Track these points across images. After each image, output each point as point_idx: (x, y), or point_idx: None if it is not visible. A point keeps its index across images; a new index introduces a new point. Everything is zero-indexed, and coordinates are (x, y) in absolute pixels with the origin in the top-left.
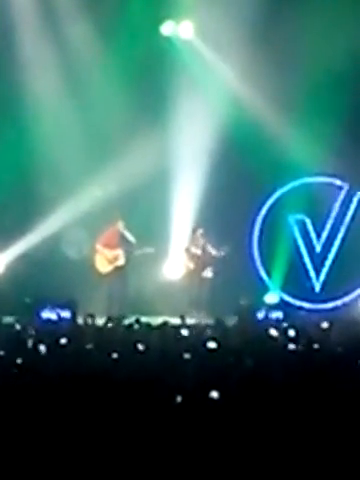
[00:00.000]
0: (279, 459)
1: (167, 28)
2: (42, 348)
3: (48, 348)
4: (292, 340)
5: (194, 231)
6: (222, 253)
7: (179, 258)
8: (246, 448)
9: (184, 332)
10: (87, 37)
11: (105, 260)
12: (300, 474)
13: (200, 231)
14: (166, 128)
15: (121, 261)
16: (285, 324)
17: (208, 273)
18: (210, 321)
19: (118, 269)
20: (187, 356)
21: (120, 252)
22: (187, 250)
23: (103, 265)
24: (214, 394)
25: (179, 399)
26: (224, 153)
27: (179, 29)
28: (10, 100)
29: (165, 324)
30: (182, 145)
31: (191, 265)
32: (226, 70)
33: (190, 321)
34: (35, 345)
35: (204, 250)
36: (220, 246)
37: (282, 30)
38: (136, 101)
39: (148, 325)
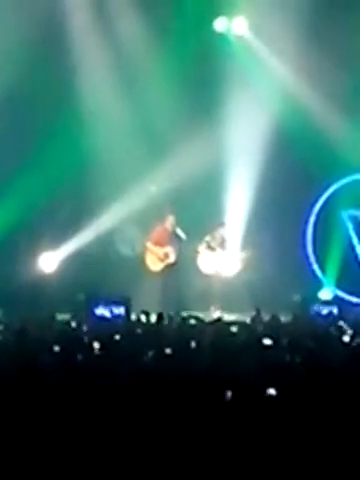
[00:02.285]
0: (337, 456)
1: (220, 24)
2: (96, 345)
3: (103, 345)
4: (347, 336)
5: (217, 228)
6: (243, 257)
7: (201, 249)
8: (303, 446)
9: (234, 329)
10: (140, 34)
11: (156, 258)
12: None
13: (222, 229)
14: (219, 124)
15: (172, 258)
16: (340, 320)
17: (222, 269)
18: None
19: (169, 266)
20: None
21: (171, 249)
22: (207, 243)
23: (154, 263)
24: (271, 391)
25: (229, 395)
26: (277, 148)
27: (232, 25)
28: (63, 99)
29: (217, 321)
30: (235, 141)
31: (209, 257)
32: (279, 65)
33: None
34: (90, 342)
35: (222, 249)
36: (243, 249)
37: (335, 25)
38: (189, 97)
39: (201, 321)
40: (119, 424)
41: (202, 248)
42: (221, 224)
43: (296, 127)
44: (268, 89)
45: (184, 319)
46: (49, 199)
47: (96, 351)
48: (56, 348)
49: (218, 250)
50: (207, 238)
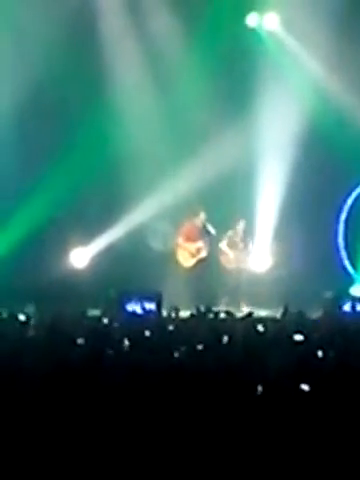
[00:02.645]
0: None
1: (252, 19)
2: (127, 342)
3: (134, 341)
4: None
5: (237, 221)
6: (275, 251)
7: (223, 244)
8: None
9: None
10: (172, 30)
11: (188, 254)
12: None
13: (242, 224)
14: (251, 120)
15: (204, 253)
16: None
17: (245, 264)
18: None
19: (201, 261)
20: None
21: (202, 244)
22: (229, 238)
23: (186, 259)
24: (305, 387)
25: (260, 389)
26: (309, 144)
27: (264, 20)
28: (94, 95)
29: (248, 316)
30: (267, 136)
31: (231, 254)
32: (311, 61)
33: (269, 312)
34: (121, 338)
35: (245, 243)
36: (275, 243)
37: None
38: (221, 93)
39: (233, 316)
40: (150, 419)
41: (224, 244)
42: (240, 219)
43: (328, 123)
44: (300, 85)
45: (216, 314)
46: (79, 195)
47: (126, 347)
48: (85, 342)
49: (240, 245)
50: (229, 233)
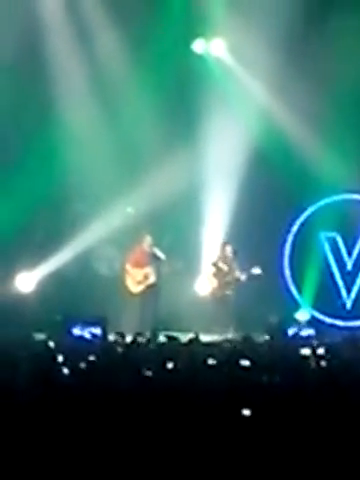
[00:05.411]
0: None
1: (198, 45)
2: (74, 365)
3: (79, 365)
4: (323, 358)
5: (223, 246)
6: (251, 275)
7: (205, 271)
8: (277, 466)
9: (212, 349)
10: (118, 54)
11: (135, 280)
12: None
13: (229, 247)
14: (197, 144)
15: (151, 279)
16: (316, 342)
17: (229, 290)
18: (236, 337)
19: (149, 287)
20: (216, 373)
21: (150, 270)
22: (214, 264)
23: (134, 285)
24: (246, 412)
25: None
26: (255, 170)
27: (210, 46)
28: (40, 118)
29: (192, 341)
30: (213, 161)
31: (215, 281)
32: (257, 87)
33: (215, 337)
34: (66, 362)
35: (230, 268)
36: (251, 266)
37: (312, 47)
38: (167, 117)
39: (176, 340)
40: (95, 441)
41: (210, 274)
42: (224, 244)
43: (274, 148)
44: (246, 110)
45: (160, 339)
46: (26, 219)
47: (73, 372)
48: (30, 366)
49: (225, 269)
50: (213, 261)
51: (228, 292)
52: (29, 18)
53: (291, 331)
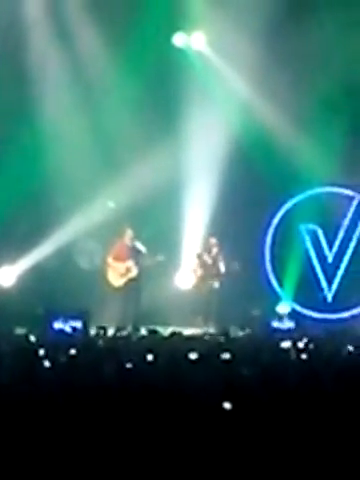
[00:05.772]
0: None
1: (179, 39)
2: (55, 358)
3: (60, 359)
4: (303, 350)
5: (208, 238)
6: (230, 270)
7: (188, 264)
8: (258, 459)
9: (193, 343)
10: (98, 48)
11: (117, 274)
12: None
13: (214, 240)
14: (178, 138)
15: (133, 272)
16: (297, 334)
17: (215, 284)
18: (216, 331)
19: (131, 280)
20: (197, 366)
21: (131, 263)
22: (198, 256)
23: (116, 279)
24: (227, 405)
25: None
26: (235, 163)
27: (191, 40)
28: (22, 112)
29: (174, 335)
30: (194, 155)
31: (199, 272)
32: (237, 80)
33: (196, 331)
34: (48, 355)
35: (215, 261)
36: (230, 261)
37: (293, 41)
38: (148, 111)
39: (157, 334)
40: (78, 437)
41: (194, 266)
42: (209, 237)
43: (254, 142)
44: (227, 104)
45: (142, 333)
46: (6, 213)
47: (54, 365)
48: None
49: (209, 262)
50: (198, 253)
51: (215, 285)
52: (9, 16)
53: (274, 324)
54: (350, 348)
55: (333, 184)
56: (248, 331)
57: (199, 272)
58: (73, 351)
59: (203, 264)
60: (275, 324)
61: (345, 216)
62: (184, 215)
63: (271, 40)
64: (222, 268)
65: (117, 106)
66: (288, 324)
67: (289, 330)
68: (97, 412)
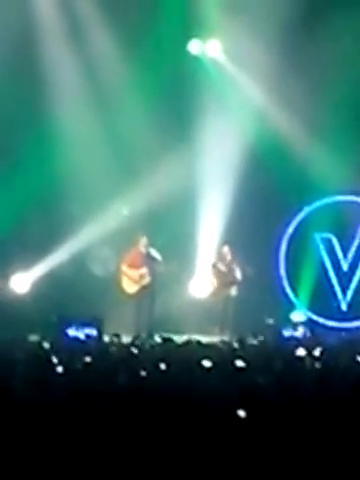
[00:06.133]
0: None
1: (194, 46)
2: (69, 365)
3: (74, 366)
4: (318, 359)
5: (221, 247)
6: (245, 275)
7: (205, 274)
8: (272, 467)
9: (207, 350)
10: (114, 54)
11: (131, 281)
12: None
13: (226, 248)
14: (193, 146)
15: (147, 280)
16: (311, 343)
17: (233, 291)
18: (233, 339)
19: (145, 288)
20: (211, 374)
21: (145, 271)
22: (213, 266)
23: (130, 286)
24: (241, 413)
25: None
26: (251, 171)
27: (206, 47)
28: (34, 118)
29: (189, 343)
30: (209, 163)
31: (216, 281)
32: (253, 88)
33: (213, 339)
34: (62, 362)
35: (230, 268)
36: (245, 267)
37: (308, 48)
38: (163, 119)
39: (172, 342)
40: (91, 444)
41: (210, 275)
42: (222, 245)
43: (269, 150)
44: (242, 112)
45: (156, 340)
46: (21, 219)
47: (68, 371)
48: (26, 367)
49: (224, 270)
50: (212, 263)
51: (233, 292)
52: (23, 18)
53: (286, 332)
54: None
55: (348, 192)
56: (261, 338)
57: (216, 282)
58: (88, 358)
59: (219, 273)
60: (287, 333)
61: None
62: (199, 223)
63: (286, 48)
64: (238, 274)
65: (132, 113)
66: (302, 332)
67: (303, 338)
68: (111, 420)
